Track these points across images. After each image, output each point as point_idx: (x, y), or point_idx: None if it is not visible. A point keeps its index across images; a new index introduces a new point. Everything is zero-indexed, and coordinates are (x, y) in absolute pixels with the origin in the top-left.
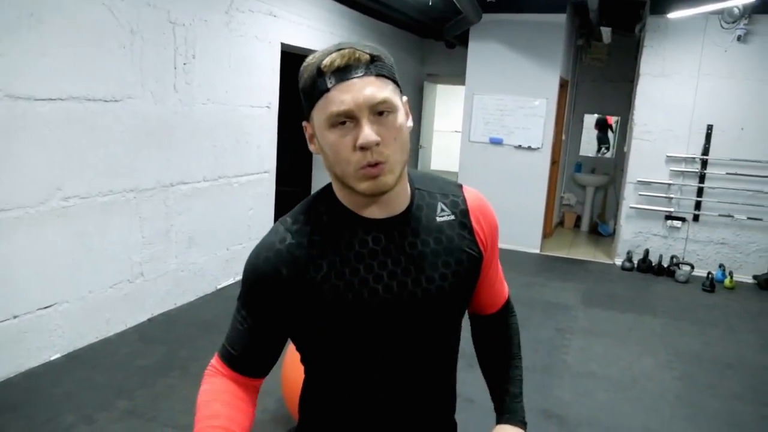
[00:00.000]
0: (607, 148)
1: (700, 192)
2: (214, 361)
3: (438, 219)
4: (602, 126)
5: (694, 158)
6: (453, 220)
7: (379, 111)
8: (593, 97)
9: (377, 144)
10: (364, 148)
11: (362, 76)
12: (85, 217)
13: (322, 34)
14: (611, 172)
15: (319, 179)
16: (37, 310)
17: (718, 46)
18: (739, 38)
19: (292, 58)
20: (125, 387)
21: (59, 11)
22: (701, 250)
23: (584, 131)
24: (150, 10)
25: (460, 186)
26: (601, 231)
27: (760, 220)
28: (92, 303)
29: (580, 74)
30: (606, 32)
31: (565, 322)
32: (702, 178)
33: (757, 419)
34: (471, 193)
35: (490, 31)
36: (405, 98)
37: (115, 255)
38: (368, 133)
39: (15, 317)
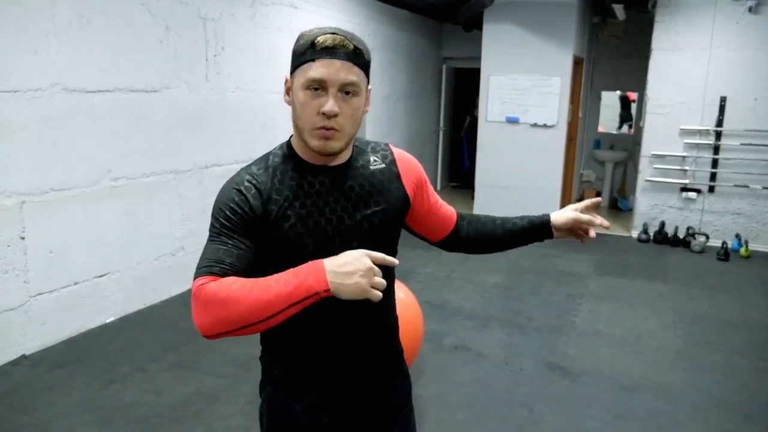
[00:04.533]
0: (630, 125)
1: (714, 163)
2: (201, 281)
3: (371, 168)
4: (624, 103)
5: (708, 130)
6: (384, 168)
7: (346, 91)
8: (611, 74)
9: (335, 115)
10: (325, 114)
11: (343, 59)
12: (132, 196)
13: (341, 23)
14: (630, 147)
15: None
16: (94, 278)
17: (729, 18)
18: (750, 9)
19: None
20: (172, 344)
21: (104, 12)
22: (717, 220)
23: (603, 108)
24: (182, 7)
25: (388, 144)
26: (621, 206)
27: None
28: (140, 273)
29: (596, 51)
30: (619, 9)
31: (577, 289)
32: (716, 149)
33: (753, 371)
34: (396, 149)
35: (503, 12)
36: (369, 88)
37: (159, 230)
38: (332, 104)
39: (75, 284)
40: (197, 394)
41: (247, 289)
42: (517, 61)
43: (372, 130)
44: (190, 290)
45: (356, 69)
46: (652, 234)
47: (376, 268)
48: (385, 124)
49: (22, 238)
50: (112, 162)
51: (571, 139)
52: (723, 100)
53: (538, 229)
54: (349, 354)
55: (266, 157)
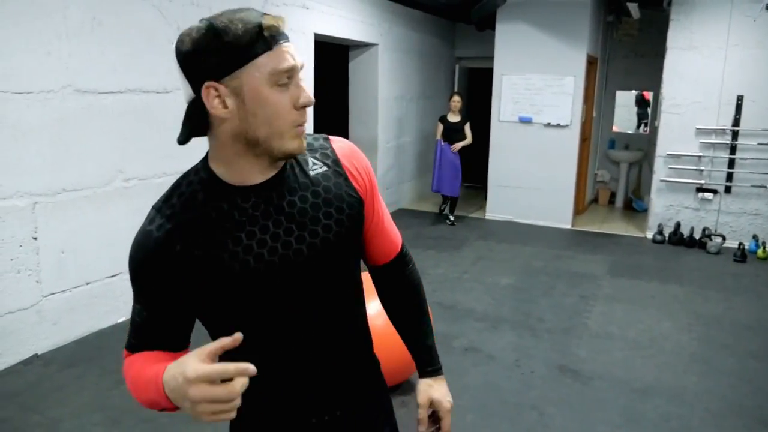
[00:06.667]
0: (647, 124)
1: (731, 163)
2: (124, 354)
3: (311, 173)
4: (641, 102)
5: (724, 130)
6: (327, 170)
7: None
8: (625, 73)
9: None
10: (305, 107)
11: (289, 41)
12: (144, 197)
13: (353, 23)
14: (645, 147)
15: None
16: (106, 278)
17: (746, 16)
18: (767, 7)
19: (324, 47)
20: None
21: (116, 14)
22: (734, 221)
23: (618, 108)
24: (194, 9)
25: (327, 138)
26: (636, 207)
27: None
28: None
29: (611, 50)
30: (633, 8)
31: (590, 290)
32: (733, 149)
33: None
34: (339, 142)
35: (516, 11)
36: None
37: None
38: (308, 92)
39: (87, 284)
40: None
41: (140, 379)
42: (530, 61)
43: (384, 130)
44: None
45: None
46: (667, 235)
47: (213, 392)
48: (397, 124)
49: (35, 239)
50: (123, 163)
51: (585, 139)
52: (740, 99)
53: (414, 361)
54: (308, 388)
55: (178, 187)
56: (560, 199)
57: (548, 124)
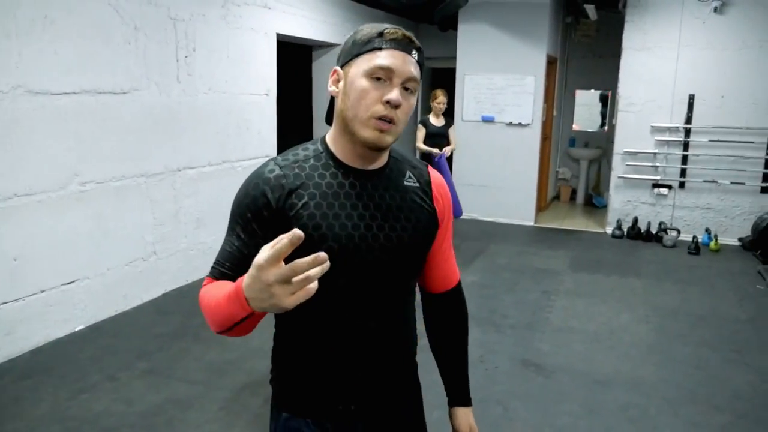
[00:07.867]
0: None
1: (684, 160)
2: (205, 281)
3: (405, 183)
4: (604, 101)
5: (677, 127)
6: (417, 187)
7: (406, 87)
8: (584, 73)
9: (399, 105)
10: (389, 103)
11: (408, 54)
12: (101, 201)
13: (316, 23)
14: (604, 145)
15: None
16: (62, 285)
17: (696, 18)
18: (715, 9)
19: (287, 48)
20: (144, 351)
21: (69, 12)
22: (688, 215)
23: (578, 107)
24: (152, 8)
25: (427, 165)
26: (596, 203)
27: (743, 184)
28: (111, 279)
29: (570, 51)
30: (591, 9)
31: (552, 286)
32: (686, 146)
33: (722, 363)
34: (434, 173)
35: (478, 12)
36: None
37: (130, 235)
38: (397, 93)
39: (42, 291)
40: (169, 401)
41: (212, 301)
42: (491, 61)
43: None
44: (162, 296)
45: (417, 67)
46: (625, 230)
47: (278, 272)
48: None
49: None
50: (79, 166)
51: (546, 138)
52: (691, 98)
53: (447, 389)
54: (367, 367)
55: (296, 149)
56: (523, 197)
57: (510, 123)
